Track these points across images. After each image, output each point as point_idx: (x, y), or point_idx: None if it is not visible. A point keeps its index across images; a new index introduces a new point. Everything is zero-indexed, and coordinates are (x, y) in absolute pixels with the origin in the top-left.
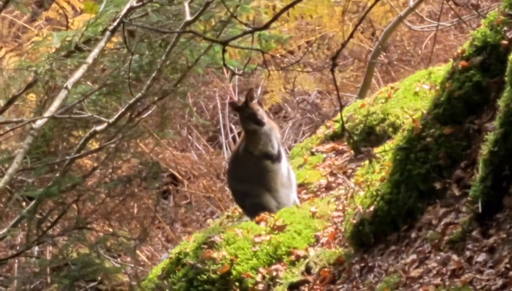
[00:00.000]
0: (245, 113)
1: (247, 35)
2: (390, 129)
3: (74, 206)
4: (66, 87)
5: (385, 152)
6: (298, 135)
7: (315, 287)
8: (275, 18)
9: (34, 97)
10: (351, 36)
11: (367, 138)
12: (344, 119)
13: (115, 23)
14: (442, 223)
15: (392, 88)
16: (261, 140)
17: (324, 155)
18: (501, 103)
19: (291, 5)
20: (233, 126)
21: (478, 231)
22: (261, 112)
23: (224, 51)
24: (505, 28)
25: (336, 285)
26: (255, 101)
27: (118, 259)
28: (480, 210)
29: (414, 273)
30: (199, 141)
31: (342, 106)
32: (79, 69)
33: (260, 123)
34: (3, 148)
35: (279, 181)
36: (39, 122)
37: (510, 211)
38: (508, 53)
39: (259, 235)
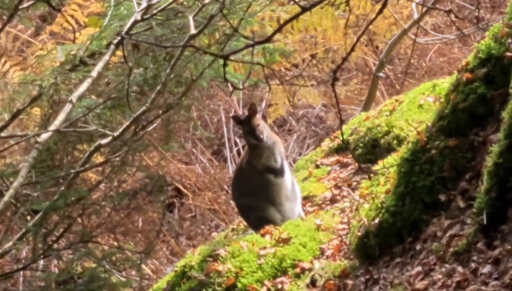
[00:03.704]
0: (245, 128)
1: (250, 48)
2: (395, 141)
3: (80, 219)
4: (71, 101)
5: (386, 168)
6: (303, 148)
7: None
8: (276, 31)
9: (39, 111)
10: (352, 50)
11: (372, 151)
12: (349, 132)
13: (119, 37)
14: (447, 234)
15: (396, 101)
16: (263, 154)
17: (329, 168)
18: (505, 115)
19: (293, 19)
20: (237, 140)
21: (483, 242)
22: (261, 128)
23: (225, 65)
24: (510, 40)
25: None
26: (258, 115)
27: (123, 273)
28: (485, 222)
29: (419, 285)
30: (203, 154)
31: (342, 121)
32: (84, 83)
33: (258, 139)
34: (8, 161)
35: (283, 194)
36: (44, 136)
37: None
38: None
39: (264, 248)
